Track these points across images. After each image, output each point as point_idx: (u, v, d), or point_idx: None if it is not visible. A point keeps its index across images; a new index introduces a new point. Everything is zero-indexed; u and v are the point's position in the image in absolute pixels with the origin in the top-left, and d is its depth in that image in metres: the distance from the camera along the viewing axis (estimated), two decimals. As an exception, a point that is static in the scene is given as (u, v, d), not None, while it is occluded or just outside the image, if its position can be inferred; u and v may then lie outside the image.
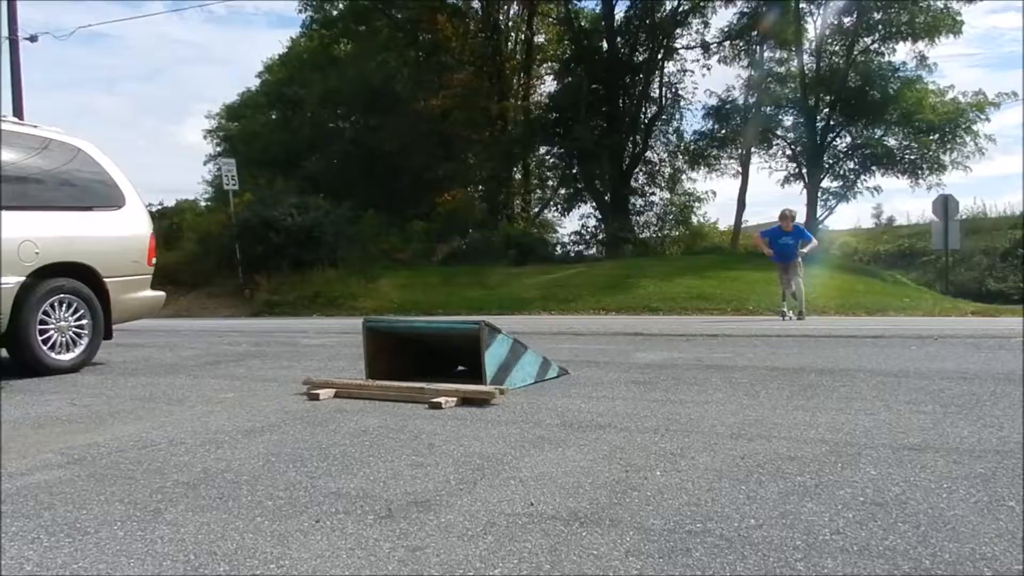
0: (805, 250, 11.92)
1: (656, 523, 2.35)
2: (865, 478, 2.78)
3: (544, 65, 30.48)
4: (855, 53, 26.12)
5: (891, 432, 3.51)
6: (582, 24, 28.44)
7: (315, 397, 4.78)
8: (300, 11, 30.05)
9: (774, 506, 2.48)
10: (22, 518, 2.55)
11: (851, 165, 27.46)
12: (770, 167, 29.15)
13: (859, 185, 27.37)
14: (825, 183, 27.73)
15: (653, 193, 29.39)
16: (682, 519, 2.38)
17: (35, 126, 6.92)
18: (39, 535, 2.38)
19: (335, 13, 29.99)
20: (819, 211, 28.06)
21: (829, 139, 27.19)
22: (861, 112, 25.75)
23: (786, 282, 12.05)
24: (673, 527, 2.31)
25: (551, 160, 30.22)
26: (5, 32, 20.22)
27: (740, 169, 28.80)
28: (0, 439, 3.84)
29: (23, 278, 6.13)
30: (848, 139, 27.55)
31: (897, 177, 26.58)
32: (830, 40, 26.99)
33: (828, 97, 26.42)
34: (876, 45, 26.18)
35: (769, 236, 12.48)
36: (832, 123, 26.96)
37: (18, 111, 19.26)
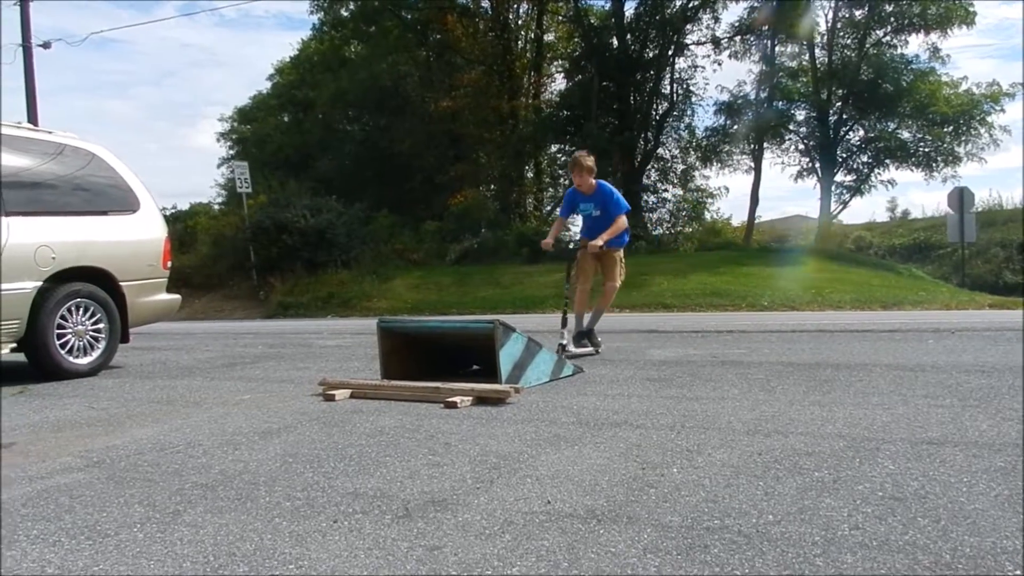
0: (604, 238, 6.62)
1: (674, 520, 2.35)
2: (884, 473, 2.76)
3: (554, 63, 30.45)
4: (867, 46, 25.99)
5: (909, 426, 3.49)
6: (592, 21, 28.39)
7: (331, 398, 4.80)
8: (311, 12, 30.16)
9: (792, 502, 2.48)
10: (43, 521, 2.57)
11: (864, 159, 27.39)
12: (783, 162, 29.15)
13: (873, 179, 27.33)
14: (838, 177, 27.69)
15: (666, 190, 29.31)
16: (700, 516, 2.38)
17: (49, 132, 6.97)
18: (60, 538, 2.40)
19: (345, 14, 30.06)
20: (833, 205, 28.00)
21: (842, 133, 27.10)
22: (874, 105, 25.63)
23: (581, 287, 7.03)
24: (691, 524, 2.31)
25: (563, 158, 30.19)
26: (19, 39, 20.39)
27: (752, 164, 28.73)
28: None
29: (40, 283, 6.18)
30: (861, 132, 27.48)
31: (911, 170, 26.49)
32: (842, 33, 26.87)
33: (840, 91, 26.30)
34: (888, 37, 26.07)
35: (567, 205, 7.24)
36: (845, 117, 26.87)
37: (32, 117, 19.41)
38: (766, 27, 26.44)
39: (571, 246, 6.91)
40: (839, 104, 26.67)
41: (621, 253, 7.10)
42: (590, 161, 6.83)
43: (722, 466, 2.93)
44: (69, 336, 6.40)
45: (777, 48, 28.04)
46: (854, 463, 2.91)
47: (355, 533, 2.34)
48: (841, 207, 28.69)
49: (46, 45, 21.05)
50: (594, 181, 6.87)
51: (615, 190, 6.93)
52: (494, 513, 2.48)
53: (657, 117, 28.19)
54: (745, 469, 2.88)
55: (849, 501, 2.46)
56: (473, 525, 2.37)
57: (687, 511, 2.42)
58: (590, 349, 6.95)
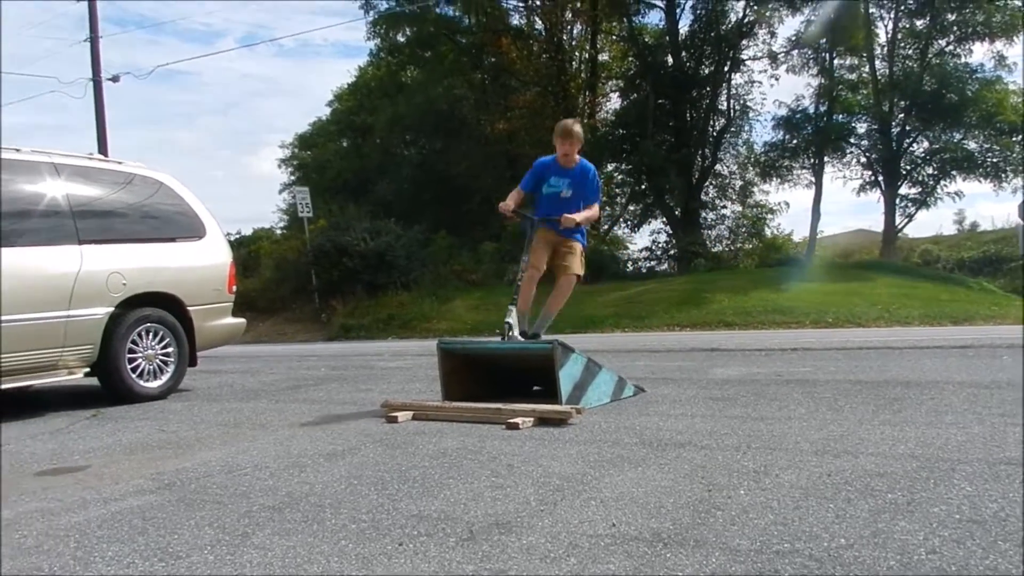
0: (579, 217, 5.68)
1: (742, 543, 2.30)
2: (960, 495, 2.68)
3: (609, 82, 30.45)
4: (929, 56, 25.46)
5: (985, 446, 3.38)
6: (646, 40, 28.35)
7: (394, 419, 4.83)
8: (368, 39, 30.66)
9: (864, 525, 2.41)
10: (117, 543, 2.63)
11: (930, 170, 26.72)
12: (844, 175, 28.53)
13: (939, 191, 26.61)
14: (903, 190, 27.08)
15: (724, 206, 29.05)
16: (769, 539, 2.33)
17: (119, 162, 7.20)
18: (134, 560, 2.45)
19: (401, 40, 30.51)
20: (898, 218, 27.39)
21: (905, 145, 26.51)
22: (938, 116, 25.03)
23: (529, 275, 5.91)
24: (760, 547, 2.27)
25: (619, 177, 30.12)
26: (90, 74, 21.12)
27: (813, 179, 28.29)
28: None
29: (112, 309, 6.36)
30: (925, 144, 26.84)
31: (979, 181, 25.76)
32: (903, 44, 26.38)
33: (903, 102, 25.78)
34: (951, 47, 25.50)
35: (532, 178, 5.94)
36: (908, 128, 26.28)
37: (103, 148, 20.04)
38: (824, 40, 26.11)
39: (533, 216, 5.82)
40: (902, 116, 26.13)
41: (582, 249, 6.02)
42: (580, 130, 5.88)
43: (791, 488, 2.88)
44: (140, 360, 6.57)
45: (836, 61, 27.67)
46: (928, 484, 2.82)
47: (420, 556, 2.35)
48: (906, 220, 28.06)
49: (115, 79, 21.72)
50: (578, 156, 5.90)
51: (598, 173, 6.08)
52: (559, 536, 2.46)
53: (714, 133, 27.98)
54: (815, 491, 2.82)
55: (925, 524, 2.39)
56: (538, 548, 2.36)
57: (756, 534, 2.38)
58: None
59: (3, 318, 5.66)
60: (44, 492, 3.42)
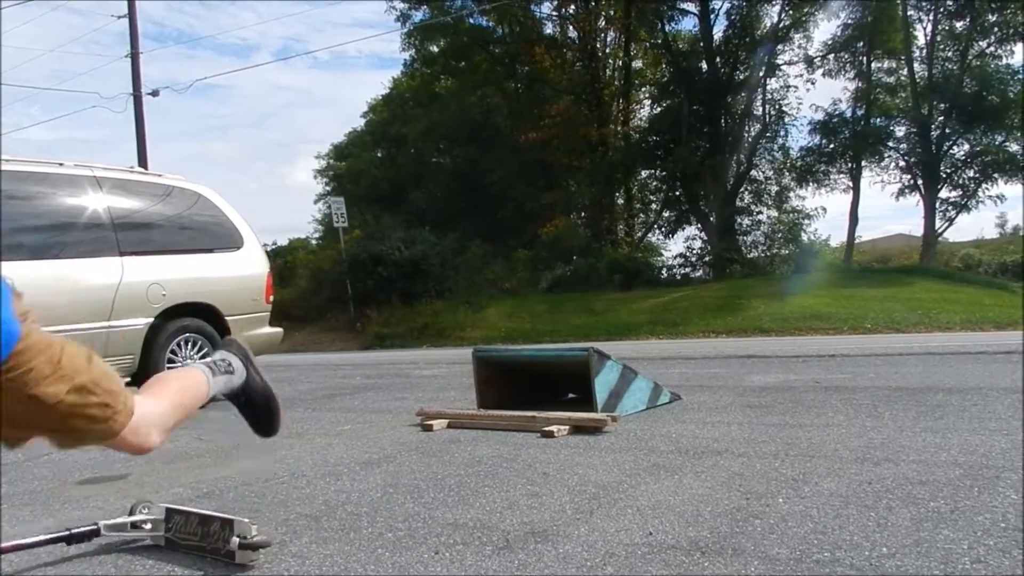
0: None
1: (782, 552, 2.27)
2: (1006, 503, 2.62)
3: (643, 89, 30.40)
4: (969, 57, 25.08)
5: (1031, 454, 3.31)
6: (680, 46, 28.25)
7: (428, 428, 4.84)
8: (402, 50, 30.92)
9: (907, 533, 2.37)
10: (157, 552, 2.66)
11: (970, 173, 26.27)
12: (883, 180, 28.12)
13: (980, 194, 26.16)
14: (943, 193, 26.65)
15: (760, 212, 28.81)
16: (809, 548, 2.30)
17: (159, 175, 7.32)
18: (173, 569, 2.48)
19: (435, 50, 30.72)
20: (938, 222, 26.97)
21: (945, 148, 26.10)
22: (979, 118, 24.61)
23: None
24: (800, 556, 2.23)
25: (654, 183, 30.03)
26: (130, 89, 21.51)
27: (851, 183, 27.95)
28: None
29: (152, 319, 6.46)
30: (966, 147, 26.39)
31: (1022, 184, 25.27)
32: (942, 46, 26.01)
33: (942, 105, 25.40)
34: (992, 48, 25.10)
35: None
36: (948, 131, 25.88)
37: (143, 161, 20.37)
38: (860, 43, 25.84)
39: None
40: (941, 118, 25.75)
41: None
42: None
43: (830, 496, 2.83)
44: (179, 370, 6.66)
45: (873, 64, 27.36)
46: (972, 492, 2.77)
47: (457, 565, 2.35)
48: (947, 224, 27.59)
49: (154, 93, 22.10)
50: None
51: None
52: (595, 545, 2.45)
53: (749, 139, 27.79)
54: (855, 499, 2.77)
55: (969, 533, 2.34)
56: (574, 557, 2.35)
57: (795, 543, 2.34)
58: None
59: (49, 330, 5.76)
60: (86, 500, 3.47)
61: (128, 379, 6.42)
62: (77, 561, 2.59)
